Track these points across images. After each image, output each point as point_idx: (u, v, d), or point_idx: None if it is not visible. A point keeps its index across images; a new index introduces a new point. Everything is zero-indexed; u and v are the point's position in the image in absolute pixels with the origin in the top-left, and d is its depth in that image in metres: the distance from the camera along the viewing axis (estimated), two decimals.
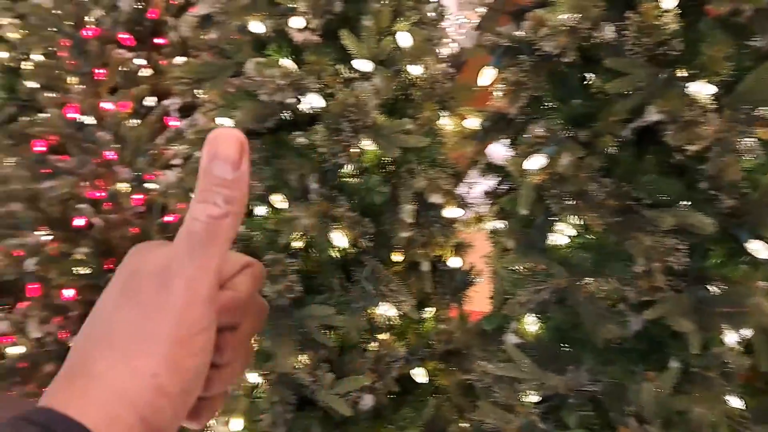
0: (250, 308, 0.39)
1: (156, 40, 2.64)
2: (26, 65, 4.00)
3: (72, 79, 2.20)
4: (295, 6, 1.34)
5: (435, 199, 1.49)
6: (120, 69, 2.22)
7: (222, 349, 0.37)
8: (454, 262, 1.67)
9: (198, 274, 0.34)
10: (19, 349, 2.41)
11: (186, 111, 2.63)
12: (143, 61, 2.60)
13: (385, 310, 1.55)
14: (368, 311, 1.55)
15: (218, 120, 1.48)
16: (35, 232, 2.12)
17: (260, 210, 1.62)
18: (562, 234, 1.40)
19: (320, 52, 1.40)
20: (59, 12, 1.85)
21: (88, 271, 2.00)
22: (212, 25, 1.57)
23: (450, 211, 1.53)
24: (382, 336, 1.63)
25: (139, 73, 2.57)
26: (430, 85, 1.50)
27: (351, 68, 1.42)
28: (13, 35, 3.92)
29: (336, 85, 1.40)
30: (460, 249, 1.69)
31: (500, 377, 1.47)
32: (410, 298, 1.53)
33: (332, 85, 1.40)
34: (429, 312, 1.72)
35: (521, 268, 1.42)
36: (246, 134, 1.18)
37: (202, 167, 0.35)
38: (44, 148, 2.06)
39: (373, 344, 1.62)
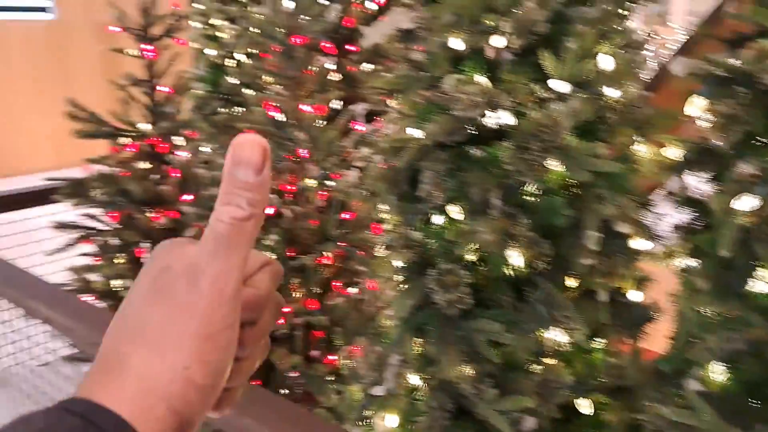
0: (269, 304, 0.41)
1: (348, 47, 2.81)
2: (230, 63, 4.45)
3: (270, 79, 2.41)
4: (498, 25, 1.36)
5: (622, 228, 1.43)
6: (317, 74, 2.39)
7: (243, 343, 0.40)
8: (634, 295, 1.59)
9: (224, 273, 0.36)
10: None
11: (370, 116, 2.77)
12: (333, 66, 2.78)
13: (556, 335, 1.52)
14: (538, 333, 1.53)
15: (408, 131, 1.55)
16: None
17: (438, 219, 1.67)
18: (765, 281, 1.28)
19: (517, 71, 1.40)
20: (274, 20, 2.03)
21: (274, 257, 2.18)
22: (412, 39, 1.64)
23: (637, 243, 1.46)
24: (548, 360, 1.60)
25: (329, 77, 2.75)
26: (627, 109, 1.44)
27: (546, 88, 1.41)
28: (223, 35, 4.38)
29: (529, 104, 1.40)
30: (641, 283, 1.61)
31: (675, 423, 1.38)
32: (583, 326, 1.49)
33: (525, 104, 1.40)
34: (600, 343, 1.65)
35: (713, 311, 1.32)
36: (433, 146, 1.22)
37: (226, 171, 0.37)
38: None
39: (538, 367, 1.60)
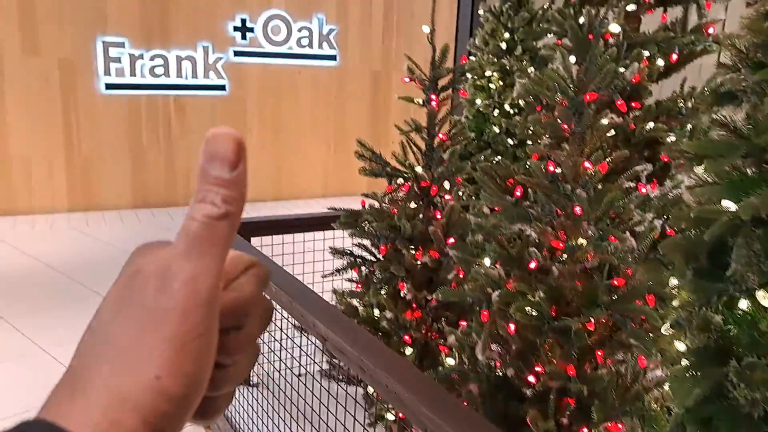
0: (255, 309, 0.39)
1: (632, 104, 2.69)
2: (496, 113, 4.58)
3: (549, 138, 2.40)
4: None
5: None
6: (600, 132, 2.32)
7: (228, 350, 0.37)
8: None
9: (197, 275, 0.33)
10: (452, 361, 2.75)
11: (651, 177, 2.60)
12: (618, 123, 2.68)
13: None
14: None
15: (724, 203, 1.41)
16: (496, 266, 2.37)
17: (743, 303, 1.48)
18: None
19: None
20: (566, 76, 2.03)
21: (534, 312, 2.14)
22: (731, 102, 1.51)
23: None
24: None
25: (611, 134, 2.65)
26: None
27: None
28: (492, 85, 4.53)
29: None
30: None
31: None
32: None
33: None
34: None
35: None
36: (752, 221, 1.06)
37: (200, 167, 0.34)
38: (520, 194, 2.30)
39: None
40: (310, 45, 9.20)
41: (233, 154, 0.35)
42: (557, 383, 2.16)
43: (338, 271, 3.06)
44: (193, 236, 0.35)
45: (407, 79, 2.83)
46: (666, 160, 2.80)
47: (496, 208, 2.56)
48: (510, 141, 4.50)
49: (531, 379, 2.24)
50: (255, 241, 3.42)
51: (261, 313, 0.40)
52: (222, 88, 8.83)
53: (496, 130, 4.53)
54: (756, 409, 1.36)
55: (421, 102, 2.82)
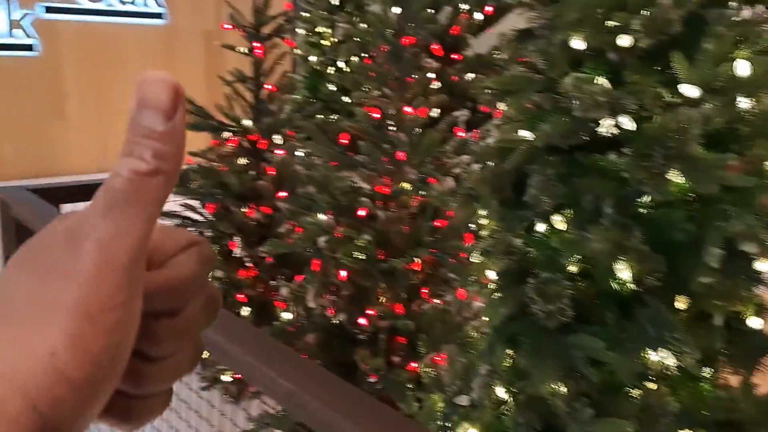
0: (195, 294, 0.34)
1: (452, 56, 2.81)
2: (331, 70, 4.56)
3: (372, 83, 2.43)
4: (627, 24, 1.30)
5: (747, 248, 1.32)
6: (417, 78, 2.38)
7: (157, 339, 0.32)
8: (753, 322, 1.47)
9: (116, 237, 0.28)
10: (289, 315, 2.74)
11: (471, 125, 2.74)
12: (433, 75, 2.78)
13: (663, 358, 1.42)
14: (643, 355, 1.44)
15: (521, 132, 1.50)
16: (324, 215, 2.38)
17: (542, 227, 1.61)
18: None
19: (643, 73, 1.34)
20: (384, 20, 2.05)
21: (363, 257, 2.17)
22: (528, 39, 1.60)
23: (763, 264, 1.35)
24: (652, 385, 1.50)
25: (432, 83, 2.75)
26: (762, 121, 1.34)
27: (674, 93, 1.33)
28: (326, 42, 4.50)
29: (655, 109, 1.33)
30: (761, 309, 1.48)
31: None
32: (695, 351, 1.38)
33: (651, 108, 1.33)
34: (709, 372, 1.53)
35: None
36: (544, 150, 1.16)
37: (130, 116, 0.30)
38: (347, 142, 2.31)
39: (639, 391, 1.50)
40: (133, 2, 8.51)
41: (168, 103, 0.30)
42: (387, 323, 2.22)
43: None
44: (114, 193, 0.29)
45: (228, 26, 2.70)
46: (486, 110, 2.97)
47: (331, 163, 2.55)
48: (346, 99, 4.51)
49: (362, 321, 2.28)
50: (67, 207, 3.11)
51: (204, 300, 0.34)
52: (29, 48, 7.89)
53: (332, 88, 4.52)
54: (551, 321, 1.49)
55: (245, 51, 2.71)
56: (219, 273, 2.69)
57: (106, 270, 0.28)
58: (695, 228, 1.37)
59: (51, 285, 0.28)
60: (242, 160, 2.86)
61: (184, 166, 2.99)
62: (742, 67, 1.28)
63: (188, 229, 2.94)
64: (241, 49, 2.75)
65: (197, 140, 3.04)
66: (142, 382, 0.32)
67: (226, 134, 2.74)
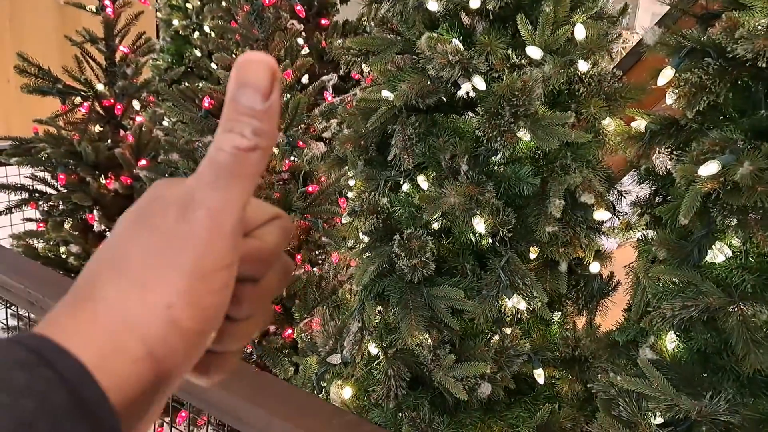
0: (274, 263, 0.36)
1: (320, 21, 2.78)
2: (196, 35, 4.35)
3: (239, 48, 2.36)
4: None
5: (586, 198, 1.45)
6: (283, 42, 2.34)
7: (240, 302, 0.35)
8: (593, 267, 1.62)
9: (223, 206, 0.31)
10: None
11: (340, 90, 2.74)
12: (300, 40, 2.74)
13: (516, 303, 1.53)
14: (498, 301, 1.54)
15: (383, 93, 1.53)
16: None
17: (405, 186, 1.66)
18: (721, 251, 1.32)
19: (492, 35, 1.40)
20: None
21: None
22: (387, 0, 1.63)
23: (600, 214, 1.48)
24: (507, 329, 1.61)
25: (302, 52, 2.71)
26: (596, 82, 1.46)
27: (520, 54, 1.42)
28: (189, 5, 4.27)
29: (504, 70, 1.40)
30: (599, 255, 1.64)
31: (627, 392, 1.41)
32: (543, 295, 1.50)
33: (500, 69, 1.41)
34: (558, 316, 1.67)
35: (670, 280, 1.35)
36: (405, 110, 1.21)
37: (229, 95, 0.32)
38: (208, 106, 2.23)
39: (497, 336, 1.61)
40: None
41: (267, 83, 0.31)
42: None
43: (10, 209, 2.64)
44: (220, 166, 0.31)
45: None
46: (356, 76, 2.98)
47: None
48: (213, 65, 4.33)
49: None
50: None
51: (280, 269, 0.37)
52: None
53: (197, 53, 4.31)
54: (416, 275, 1.55)
55: (93, 9, 2.51)
56: (76, 248, 2.51)
57: (216, 235, 0.31)
58: (540, 182, 1.48)
59: (168, 246, 0.31)
60: (96, 127, 2.67)
61: (30, 135, 2.73)
62: (578, 31, 1.39)
63: (40, 203, 2.71)
64: (90, 8, 2.54)
65: (43, 106, 2.79)
66: (223, 340, 0.35)
67: (77, 100, 2.54)
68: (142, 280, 0.31)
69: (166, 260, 0.31)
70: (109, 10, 2.48)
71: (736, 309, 1.27)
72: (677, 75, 1.25)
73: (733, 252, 1.33)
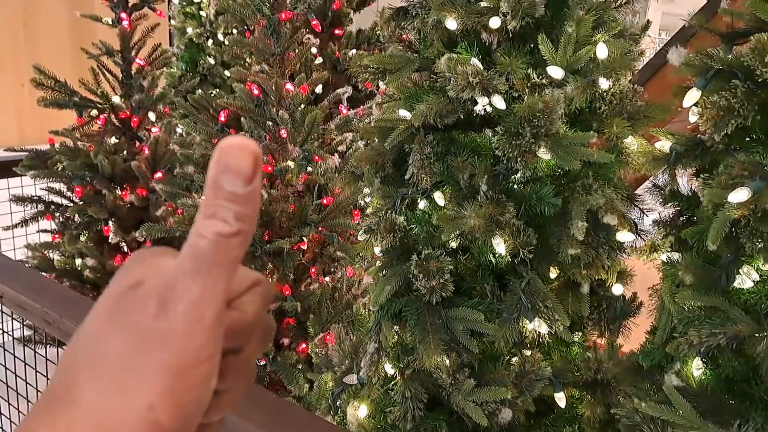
0: (256, 330, 0.36)
1: (334, 31, 2.76)
2: (210, 43, 4.36)
3: (253, 59, 2.35)
4: (495, 6, 1.33)
5: (609, 219, 1.42)
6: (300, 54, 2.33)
7: (224, 375, 0.34)
8: (616, 289, 1.58)
9: (203, 298, 0.31)
10: None
11: (354, 102, 2.72)
12: (317, 48, 2.73)
13: (537, 326, 1.50)
14: (518, 324, 1.51)
15: (401, 112, 1.51)
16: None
17: (423, 204, 1.63)
18: (749, 275, 1.28)
19: (513, 55, 1.38)
20: None
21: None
22: (405, 18, 1.60)
23: (623, 235, 1.45)
24: (527, 352, 1.58)
25: (315, 60, 2.70)
26: (618, 100, 1.43)
27: (541, 74, 1.39)
28: (203, 13, 4.28)
29: (524, 89, 1.37)
30: (622, 276, 1.60)
31: (652, 418, 1.37)
32: (566, 318, 1.47)
33: (520, 89, 1.38)
34: (579, 336, 1.64)
35: (696, 306, 1.32)
36: (422, 128, 1.18)
37: (211, 179, 0.31)
38: (224, 119, 2.22)
39: (517, 358, 1.58)
40: None
41: (250, 168, 0.31)
42: (275, 305, 2.19)
43: (26, 221, 2.65)
44: (201, 254, 0.31)
45: None
46: (370, 86, 2.96)
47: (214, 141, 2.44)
48: (227, 72, 4.33)
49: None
50: None
51: (261, 333, 0.37)
52: None
53: (211, 61, 4.32)
54: (434, 296, 1.53)
55: (109, 22, 2.51)
56: (90, 262, 2.51)
57: (196, 330, 0.31)
58: (562, 202, 1.45)
59: (146, 345, 0.31)
60: (112, 139, 2.67)
61: (46, 147, 2.74)
62: (601, 50, 1.35)
63: (56, 215, 2.72)
64: (106, 20, 2.54)
65: (60, 118, 2.80)
66: (209, 413, 0.34)
67: (93, 112, 2.54)
68: (122, 382, 0.30)
69: (145, 360, 0.31)
70: (125, 22, 2.49)
71: (765, 336, 1.23)
72: (704, 97, 1.22)
73: (761, 276, 1.29)
